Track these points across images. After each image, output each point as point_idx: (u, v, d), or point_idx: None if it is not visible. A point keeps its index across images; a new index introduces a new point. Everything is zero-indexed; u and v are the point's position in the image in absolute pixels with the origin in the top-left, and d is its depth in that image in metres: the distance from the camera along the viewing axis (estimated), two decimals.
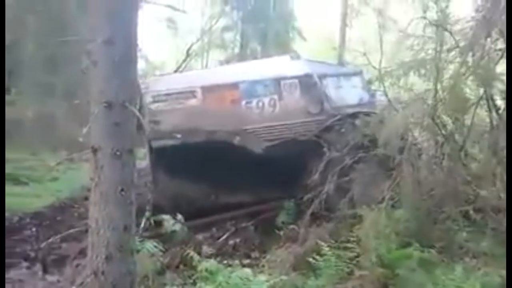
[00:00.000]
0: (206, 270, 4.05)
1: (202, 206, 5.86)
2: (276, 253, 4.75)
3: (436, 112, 4.63)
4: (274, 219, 5.81)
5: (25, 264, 5.12)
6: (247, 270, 4.04)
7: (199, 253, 4.67)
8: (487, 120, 4.61)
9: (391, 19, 12.70)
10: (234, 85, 6.05)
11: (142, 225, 5.17)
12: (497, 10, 4.08)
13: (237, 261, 4.86)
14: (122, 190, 3.00)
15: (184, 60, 15.54)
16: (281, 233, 5.32)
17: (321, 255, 4.11)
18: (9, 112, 10.41)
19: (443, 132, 4.70)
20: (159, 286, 4.15)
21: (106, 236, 2.97)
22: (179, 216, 5.34)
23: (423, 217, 4.42)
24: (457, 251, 4.18)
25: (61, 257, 5.16)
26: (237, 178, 5.54)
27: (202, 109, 5.88)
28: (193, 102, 5.90)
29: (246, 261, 4.94)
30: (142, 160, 6.95)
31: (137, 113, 3.08)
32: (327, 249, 4.12)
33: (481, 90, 4.52)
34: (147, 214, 5.39)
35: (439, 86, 4.61)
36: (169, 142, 5.63)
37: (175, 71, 10.95)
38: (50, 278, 4.79)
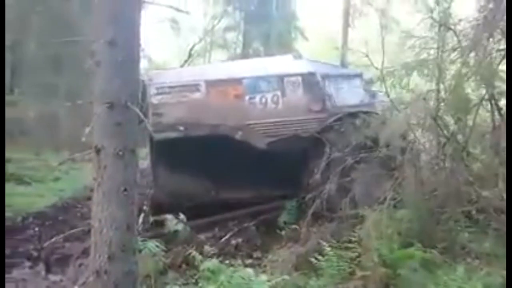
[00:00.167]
0: (208, 269, 4.06)
1: (201, 202, 5.84)
2: (278, 253, 4.77)
3: (438, 113, 4.62)
4: (276, 219, 5.82)
5: (28, 263, 5.14)
6: (249, 270, 4.04)
7: (201, 253, 4.68)
8: (489, 120, 4.60)
9: (394, 19, 12.69)
10: (238, 80, 6.05)
11: (141, 220, 5.18)
12: (499, 10, 4.07)
13: (239, 261, 4.88)
14: (124, 190, 3.02)
15: (187, 60, 15.60)
16: (283, 233, 5.34)
17: (323, 255, 4.11)
18: (12, 112, 10.44)
19: (445, 132, 4.69)
20: (161, 286, 4.16)
21: (109, 236, 2.99)
22: (182, 216, 5.35)
23: (425, 217, 4.41)
24: (459, 252, 4.17)
25: (64, 257, 5.18)
26: (238, 174, 5.54)
27: (206, 103, 5.87)
28: (196, 95, 5.89)
29: (248, 261, 4.95)
30: (144, 160, 6.96)
31: (140, 114, 3.09)
32: (329, 249, 4.12)
33: (483, 91, 4.52)
34: (145, 209, 5.37)
35: (441, 87, 4.61)
36: (172, 135, 5.59)
37: None
38: (53, 277, 4.80)
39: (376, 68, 5.26)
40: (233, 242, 5.44)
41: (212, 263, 4.22)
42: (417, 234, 4.23)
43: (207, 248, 5.11)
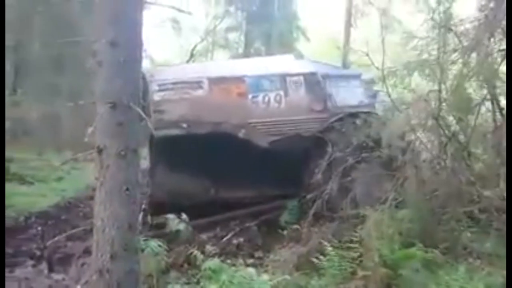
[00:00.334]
0: (210, 269, 4.07)
1: (200, 201, 5.77)
2: (280, 253, 4.78)
3: (440, 113, 4.63)
4: (277, 219, 5.82)
5: (30, 262, 5.16)
6: (251, 270, 4.05)
7: (203, 252, 4.69)
8: (491, 120, 4.60)
9: (395, 19, 12.67)
10: (241, 79, 6.02)
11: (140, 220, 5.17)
12: (500, 10, 4.07)
13: (240, 261, 4.89)
14: (127, 189, 3.03)
15: (188, 60, 15.62)
16: (285, 233, 5.34)
17: (324, 255, 4.11)
18: (14, 112, 10.49)
19: (447, 132, 4.69)
20: (163, 285, 4.17)
21: (111, 235, 3.01)
22: (184, 216, 5.35)
23: (427, 217, 4.41)
24: (460, 252, 4.17)
25: (67, 256, 5.20)
26: (238, 173, 5.49)
27: (208, 100, 5.80)
28: (199, 92, 5.82)
29: (250, 261, 4.96)
30: (145, 159, 6.97)
31: (141, 113, 3.11)
32: (330, 249, 4.12)
33: (485, 91, 4.52)
34: (144, 208, 5.35)
35: (442, 87, 4.61)
36: (174, 132, 5.52)
37: None
38: (55, 276, 4.82)
39: (378, 68, 5.26)
40: (235, 241, 5.45)
41: (214, 262, 4.23)
42: (418, 234, 4.23)
43: (208, 247, 5.12)
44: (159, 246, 4.40)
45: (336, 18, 16.86)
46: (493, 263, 3.81)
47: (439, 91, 4.61)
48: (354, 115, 5.72)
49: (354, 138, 5.26)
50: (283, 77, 6.09)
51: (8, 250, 5.20)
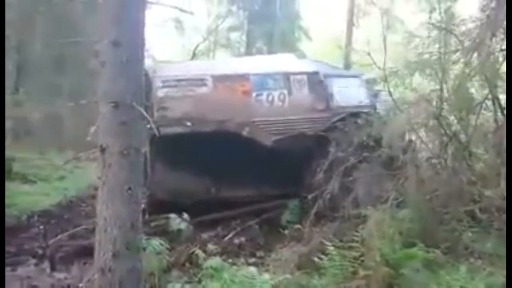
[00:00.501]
0: (211, 268, 4.08)
1: (201, 200, 5.75)
2: (281, 252, 4.77)
3: (441, 112, 4.63)
4: (278, 218, 5.83)
5: (33, 261, 5.18)
6: (252, 269, 4.06)
7: (204, 251, 4.71)
8: (492, 120, 4.60)
9: (398, 19, 12.67)
10: (245, 77, 5.99)
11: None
12: (501, 10, 4.07)
13: (242, 260, 4.90)
14: (129, 188, 3.05)
15: (191, 59, 15.63)
16: (286, 232, 5.35)
17: (325, 255, 4.11)
18: (16, 112, 10.53)
19: (448, 132, 4.70)
20: (165, 283, 4.19)
21: (113, 234, 3.02)
22: (185, 215, 5.36)
23: (428, 217, 4.41)
24: (462, 251, 4.17)
25: (69, 255, 5.21)
26: (240, 172, 5.47)
27: (212, 98, 5.76)
28: (203, 90, 5.78)
29: (251, 260, 4.97)
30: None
31: (144, 112, 3.12)
32: (331, 248, 4.12)
33: (486, 90, 4.52)
34: (143, 207, 5.34)
35: (444, 86, 4.62)
36: (178, 130, 5.47)
37: None
38: (57, 275, 4.84)
39: (379, 68, 5.27)
40: (236, 241, 5.46)
41: (215, 261, 4.24)
42: (419, 234, 4.23)
43: (210, 246, 5.14)
44: (161, 245, 4.41)
45: (338, 18, 16.87)
46: (494, 263, 3.80)
47: (441, 90, 4.61)
48: (355, 115, 5.72)
49: (356, 137, 5.26)
50: (287, 75, 6.08)
51: (11, 248, 5.23)
